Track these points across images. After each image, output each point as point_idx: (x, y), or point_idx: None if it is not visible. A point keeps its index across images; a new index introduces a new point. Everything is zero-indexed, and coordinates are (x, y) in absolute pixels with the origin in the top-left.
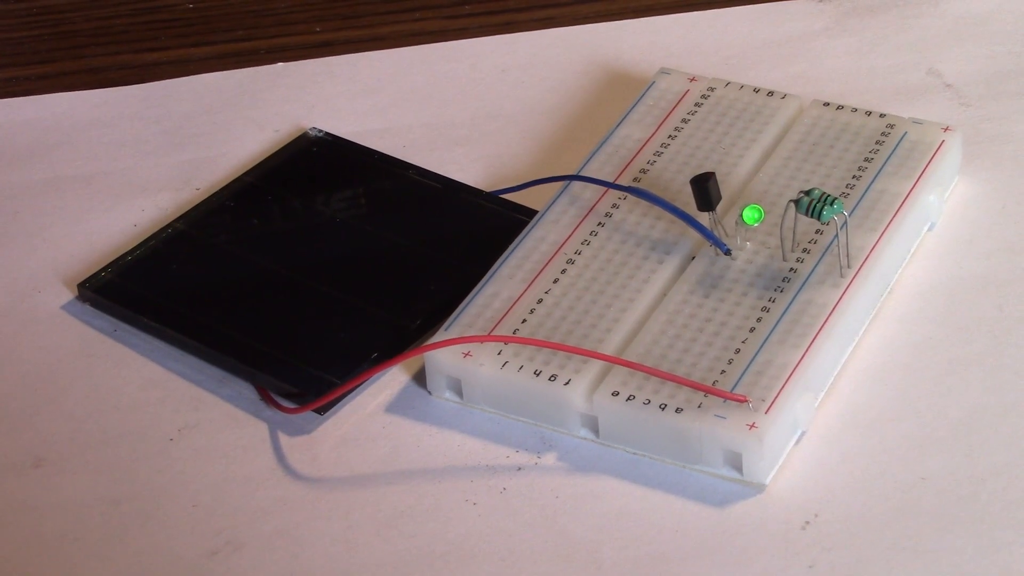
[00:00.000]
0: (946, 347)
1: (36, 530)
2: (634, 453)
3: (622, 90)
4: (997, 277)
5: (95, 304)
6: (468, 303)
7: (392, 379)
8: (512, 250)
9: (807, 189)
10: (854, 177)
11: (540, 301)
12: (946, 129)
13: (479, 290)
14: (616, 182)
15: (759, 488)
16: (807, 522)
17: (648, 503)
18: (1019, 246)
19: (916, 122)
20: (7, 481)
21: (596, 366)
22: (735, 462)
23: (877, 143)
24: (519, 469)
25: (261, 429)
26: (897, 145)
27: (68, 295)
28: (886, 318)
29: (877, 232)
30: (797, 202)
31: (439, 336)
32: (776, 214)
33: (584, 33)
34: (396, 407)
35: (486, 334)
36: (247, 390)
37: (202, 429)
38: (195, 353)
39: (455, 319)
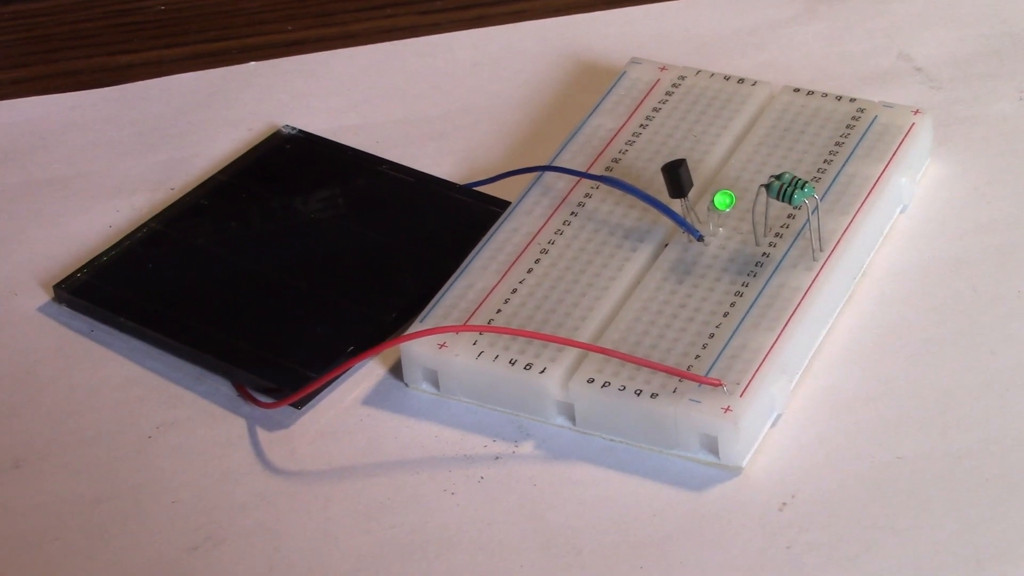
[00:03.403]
0: (920, 328)
1: (17, 530)
2: (611, 440)
3: (593, 81)
4: (969, 258)
5: (71, 305)
6: (443, 294)
7: (368, 372)
8: (486, 241)
9: (778, 174)
10: (825, 161)
11: (514, 291)
12: (916, 112)
13: (453, 281)
14: (588, 172)
15: (736, 471)
16: (784, 503)
17: (626, 489)
18: (991, 227)
19: (886, 106)
20: None
21: (571, 354)
22: (711, 446)
23: (848, 127)
24: (497, 458)
25: (239, 425)
26: (868, 129)
27: (44, 297)
28: (860, 300)
29: (849, 215)
30: (768, 186)
31: (414, 328)
32: (748, 200)
33: (555, 25)
34: (373, 399)
35: (461, 324)
36: (224, 386)
37: (180, 426)
38: (172, 351)
39: (430, 310)
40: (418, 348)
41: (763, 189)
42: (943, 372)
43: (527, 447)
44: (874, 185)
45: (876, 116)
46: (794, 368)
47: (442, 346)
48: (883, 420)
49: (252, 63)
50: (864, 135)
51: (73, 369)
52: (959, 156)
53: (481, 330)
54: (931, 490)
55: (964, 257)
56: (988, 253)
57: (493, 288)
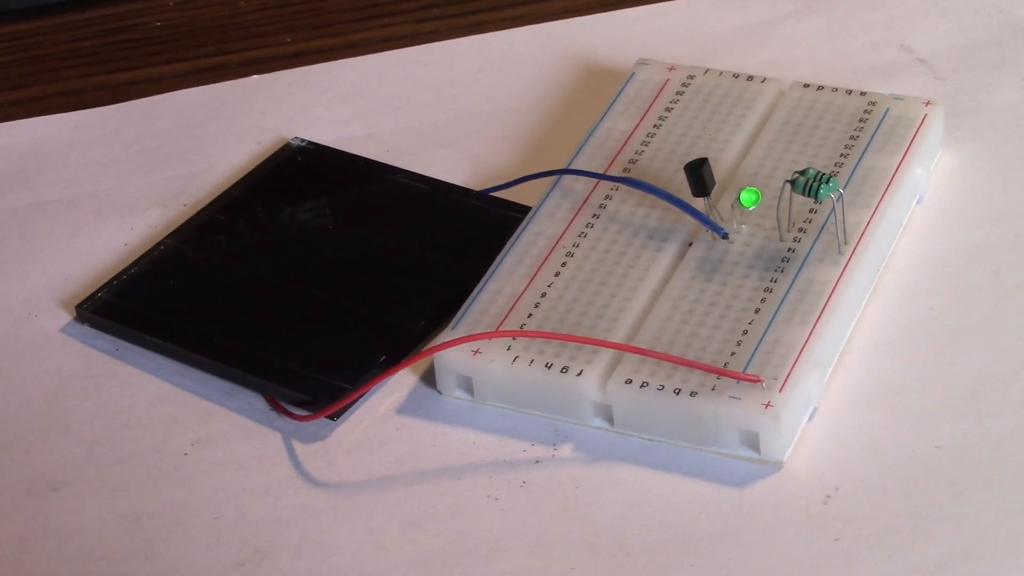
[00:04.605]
0: (946, 316)
1: (61, 552)
2: (649, 439)
3: (599, 83)
4: (989, 245)
5: (94, 324)
6: (472, 301)
7: (400, 381)
8: (510, 246)
9: (801, 169)
10: (842, 155)
11: (544, 295)
12: (927, 103)
13: (482, 288)
14: (607, 173)
15: (777, 466)
16: (828, 496)
17: (669, 487)
18: (1007, 214)
19: (897, 98)
20: (26, 506)
21: (607, 355)
22: (752, 442)
23: (861, 121)
24: (537, 462)
25: (275, 438)
26: (881, 121)
27: (66, 317)
28: (885, 292)
29: (870, 208)
30: (793, 182)
31: (446, 335)
32: (769, 196)
33: (555, 29)
34: (407, 408)
35: (493, 330)
36: (256, 400)
37: (215, 442)
38: (200, 367)
39: (461, 317)
40: (452, 356)
41: (787, 185)
42: (972, 360)
43: (566, 450)
44: (892, 177)
45: (888, 109)
46: (827, 361)
47: (476, 353)
48: (917, 410)
49: (255, 76)
50: (878, 128)
51: (102, 388)
52: (969, 146)
53: (516, 335)
54: (972, 478)
55: (984, 245)
56: (1007, 240)
57: (522, 293)
